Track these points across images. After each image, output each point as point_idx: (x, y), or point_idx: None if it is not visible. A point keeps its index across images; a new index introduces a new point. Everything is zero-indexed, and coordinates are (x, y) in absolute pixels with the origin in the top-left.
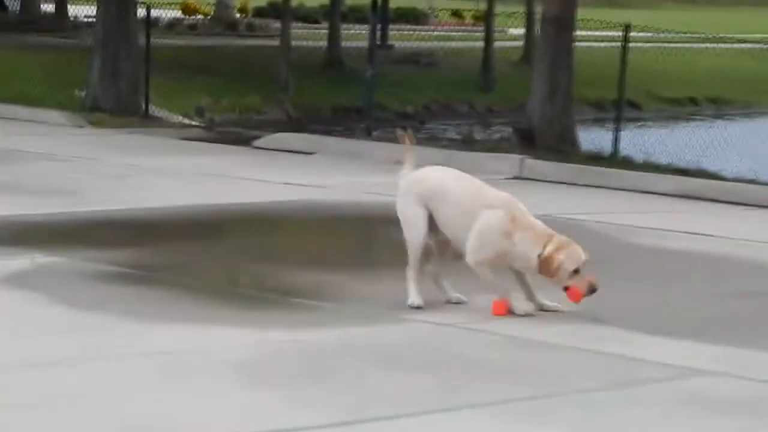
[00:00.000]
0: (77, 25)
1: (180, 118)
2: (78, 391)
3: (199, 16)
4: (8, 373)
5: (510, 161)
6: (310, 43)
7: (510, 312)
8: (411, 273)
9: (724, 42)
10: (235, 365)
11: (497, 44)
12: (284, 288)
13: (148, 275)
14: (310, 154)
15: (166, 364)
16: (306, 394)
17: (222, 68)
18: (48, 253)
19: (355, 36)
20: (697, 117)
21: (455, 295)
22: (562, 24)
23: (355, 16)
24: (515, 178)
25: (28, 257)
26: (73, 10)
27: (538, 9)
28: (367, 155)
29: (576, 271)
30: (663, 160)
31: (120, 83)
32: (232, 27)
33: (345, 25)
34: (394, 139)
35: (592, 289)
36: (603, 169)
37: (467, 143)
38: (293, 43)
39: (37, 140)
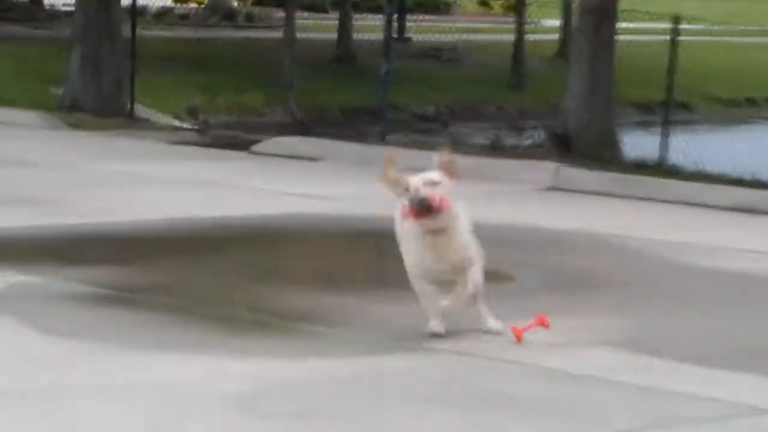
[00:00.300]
0: (54, 15)
1: (170, 119)
2: (54, 428)
3: (192, 5)
4: None
5: (544, 169)
6: (318, 36)
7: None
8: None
9: None
10: (231, 398)
11: (529, 37)
12: (286, 312)
13: (133, 297)
14: (316, 160)
15: (154, 398)
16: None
17: (217, 64)
18: (20, 272)
19: (368, 27)
20: (756, 120)
21: (491, 323)
22: (602, 15)
23: (368, 5)
24: (550, 188)
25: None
26: None
27: None
28: (380, 162)
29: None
30: (716, 168)
31: (102, 80)
32: (229, 17)
33: (357, 15)
34: (411, 144)
35: (414, 199)
36: (648, 178)
37: (496, 149)
38: (298, 35)
39: (8, 143)
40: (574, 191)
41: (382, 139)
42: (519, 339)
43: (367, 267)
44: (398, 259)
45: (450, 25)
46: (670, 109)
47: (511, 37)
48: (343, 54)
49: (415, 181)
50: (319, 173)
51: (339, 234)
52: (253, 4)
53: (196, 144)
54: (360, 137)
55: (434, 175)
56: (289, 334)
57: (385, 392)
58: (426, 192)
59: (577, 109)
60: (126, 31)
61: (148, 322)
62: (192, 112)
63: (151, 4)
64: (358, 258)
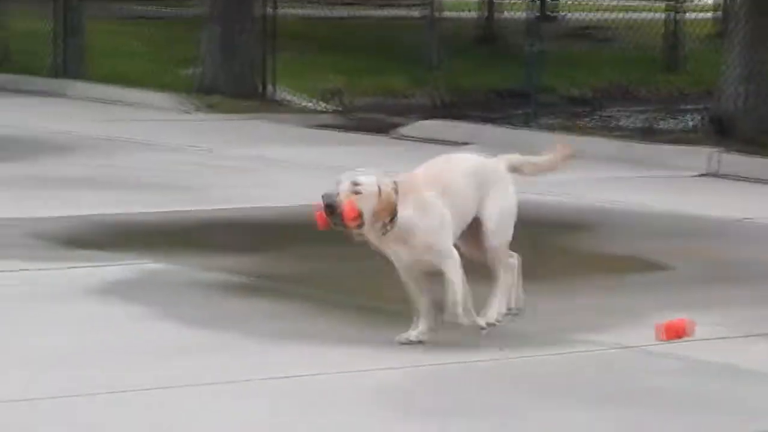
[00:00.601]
0: None
1: (307, 101)
2: (188, 423)
3: None
4: (107, 401)
5: (700, 155)
6: (461, 14)
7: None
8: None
9: None
10: (376, 393)
11: (686, 15)
12: (433, 303)
13: (270, 286)
14: (462, 144)
15: (295, 392)
16: (462, 428)
17: (357, 43)
18: (154, 259)
19: (513, 5)
20: None
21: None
22: None
23: None
24: (706, 174)
25: (130, 263)
26: None
27: None
28: (529, 146)
29: None
30: None
31: (235, 61)
32: None
33: None
34: (560, 128)
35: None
36: None
37: (649, 133)
38: (440, 14)
39: (141, 127)
40: (731, 178)
41: (530, 123)
42: (665, 337)
43: (521, 256)
44: (553, 250)
45: (601, 2)
46: None
47: (666, 16)
48: (487, 33)
49: (345, 176)
50: None
51: None
52: None
53: (335, 127)
54: (506, 120)
55: (365, 178)
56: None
57: (538, 388)
58: (337, 192)
59: (735, 93)
60: (259, 9)
61: (287, 312)
62: (330, 94)
63: None
64: (511, 247)
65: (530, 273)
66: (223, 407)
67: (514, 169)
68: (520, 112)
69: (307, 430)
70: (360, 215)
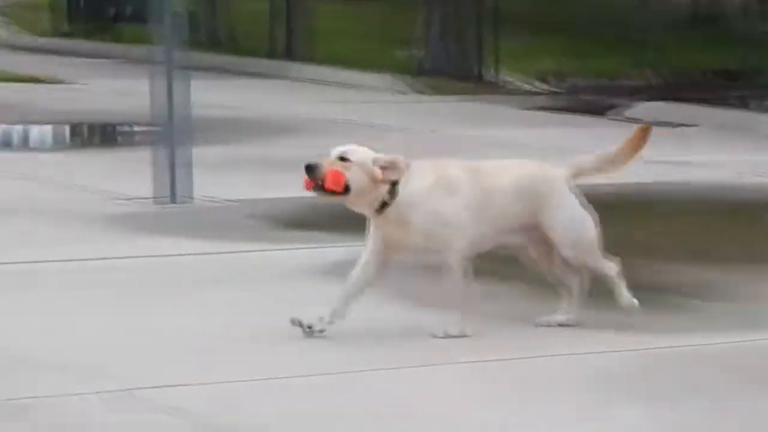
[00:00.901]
0: None
1: (524, 82)
2: (406, 402)
3: None
4: (338, 380)
5: None
6: None
7: None
8: None
9: None
10: (604, 377)
11: None
12: (661, 285)
13: (489, 267)
14: (680, 126)
15: (517, 376)
16: (686, 416)
17: (573, 24)
18: None
19: None
20: None
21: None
22: None
23: None
24: None
25: (351, 245)
26: None
27: None
28: (751, 128)
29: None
30: None
31: (454, 43)
32: None
33: None
34: None
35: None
36: None
37: None
38: None
39: (361, 108)
40: None
41: (749, 104)
42: None
43: (750, 240)
44: (757, 233)
45: None
46: None
47: None
48: (702, 12)
49: (335, 151)
50: (688, 139)
51: (716, 204)
52: None
53: (552, 109)
54: (725, 102)
55: (353, 151)
56: (666, 309)
57: (764, 375)
58: (323, 162)
59: None
60: None
61: (503, 294)
62: (546, 76)
63: None
64: (739, 230)
65: (734, 256)
66: (439, 387)
67: (583, 174)
68: (738, 93)
69: (542, 410)
70: (345, 185)
